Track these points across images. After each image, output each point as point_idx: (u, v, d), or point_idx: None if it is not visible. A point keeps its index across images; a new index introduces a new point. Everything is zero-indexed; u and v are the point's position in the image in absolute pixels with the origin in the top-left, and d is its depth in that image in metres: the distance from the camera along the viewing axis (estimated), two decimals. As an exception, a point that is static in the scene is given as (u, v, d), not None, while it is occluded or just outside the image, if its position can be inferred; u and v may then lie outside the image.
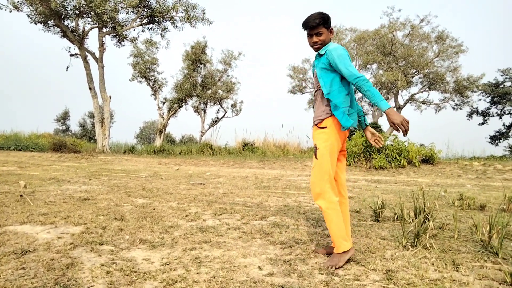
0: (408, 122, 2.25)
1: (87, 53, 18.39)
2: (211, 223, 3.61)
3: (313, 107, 2.81)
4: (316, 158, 2.53)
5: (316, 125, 2.60)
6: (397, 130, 2.28)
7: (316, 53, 2.67)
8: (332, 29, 2.63)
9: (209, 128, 26.09)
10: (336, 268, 2.35)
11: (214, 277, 2.13)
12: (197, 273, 2.20)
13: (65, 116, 37.45)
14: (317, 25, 2.54)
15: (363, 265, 2.41)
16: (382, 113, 26.21)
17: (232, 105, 26.41)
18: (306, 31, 2.63)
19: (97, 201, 4.59)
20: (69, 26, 17.71)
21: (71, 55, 18.82)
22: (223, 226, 3.47)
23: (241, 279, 2.12)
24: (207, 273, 2.20)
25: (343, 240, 2.48)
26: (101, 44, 18.58)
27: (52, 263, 2.27)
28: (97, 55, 18.57)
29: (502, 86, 27.56)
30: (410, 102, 25.52)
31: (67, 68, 19.20)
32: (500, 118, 28.83)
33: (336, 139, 2.54)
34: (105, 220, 3.52)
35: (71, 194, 5.07)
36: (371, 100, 2.36)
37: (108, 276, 2.09)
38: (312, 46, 2.66)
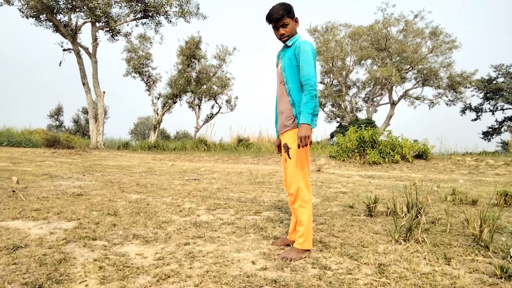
0: (309, 141, 2.39)
1: (80, 48, 18.20)
2: (205, 218, 3.61)
3: (276, 101, 2.81)
4: (290, 158, 2.54)
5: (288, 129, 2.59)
6: (300, 142, 2.38)
7: (284, 44, 2.65)
8: (296, 18, 2.61)
9: (203, 124, 26.00)
10: (289, 261, 2.36)
11: (207, 271, 2.14)
12: (190, 267, 2.20)
13: (58, 112, 37.10)
14: (282, 17, 2.52)
15: (356, 259, 2.43)
16: (376, 109, 26.34)
17: (226, 101, 26.30)
18: (271, 24, 2.60)
19: (91, 196, 4.57)
20: (61, 20, 17.51)
21: (64, 50, 18.63)
22: (217, 221, 3.47)
23: (234, 273, 2.13)
24: (200, 267, 2.21)
25: (311, 238, 2.53)
26: (94, 39, 18.40)
27: (44, 258, 2.26)
28: (90, 50, 18.40)
29: (495, 82, 27.71)
30: (404, 98, 25.58)
31: (60, 63, 19.00)
32: (493, 114, 29.02)
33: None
34: (99, 215, 3.51)
35: (64, 189, 5.04)
36: (301, 107, 2.43)
37: (100, 271, 2.09)
38: (280, 39, 2.64)
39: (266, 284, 1.98)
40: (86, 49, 18.36)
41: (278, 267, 2.27)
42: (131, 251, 2.49)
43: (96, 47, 18.50)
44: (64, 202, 4.08)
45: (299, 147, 2.40)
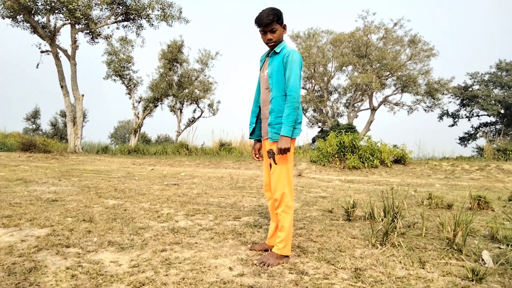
0: (285, 152, 2.43)
1: (58, 50, 17.81)
2: (183, 224, 3.57)
3: (255, 104, 2.82)
4: (275, 163, 2.54)
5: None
6: (279, 153, 2.44)
7: (271, 50, 2.64)
8: (285, 25, 2.61)
9: (185, 128, 25.79)
10: (267, 267, 2.36)
11: (184, 278, 2.11)
12: (166, 275, 2.17)
13: (35, 115, 36.15)
14: (271, 22, 2.51)
15: (333, 264, 2.44)
16: (357, 114, 26.72)
17: (209, 105, 26.17)
18: (259, 28, 2.58)
19: (66, 202, 4.46)
20: (39, 22, 17.11)
21: (42, 51, 18.21)
22: (196, 227, 3.44)
23: (210, 280, 2.10)
24: (176, 274, 2.18)
25: (290, 244, 2.55)
26: (74, 41, 18.05)
27: (14, 267, 2.18)
28: (69, 52, 18.02)
29: (470, 89, 28.57)
30: (384, 104, 26.03)
31: (38, 65, 18.58)
32: (469, 120, 29.89)
33: (292, 144, 2.57)
34: (73, 222, 3.42)
35: (39, 195, 4.90)
36: (283, 119, 2.47)
37: (73, 280, 2.03)
38: (266, 44, 2.63)
39: (242, 291, 1.96)
40: (65, 51, 17.98)
41: (255, 273, 2.26)
42: (105, 259, 2.43)
43: (76, 49, 18.14)
44: (37, 208, 3.96)
45: (280, 152, 2.43)
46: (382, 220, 3.58)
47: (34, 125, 36.11)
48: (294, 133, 2.53)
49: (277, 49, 2.58)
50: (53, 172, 8.38)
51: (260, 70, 2.78)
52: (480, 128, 30.14)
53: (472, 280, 2.16)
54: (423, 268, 2.40)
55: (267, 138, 2.63)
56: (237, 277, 2.17)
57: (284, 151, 2.42)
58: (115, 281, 2.03)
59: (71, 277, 2.07)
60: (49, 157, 13.45)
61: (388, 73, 24.19)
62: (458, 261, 2.55)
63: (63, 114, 31.61)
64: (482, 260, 2.53)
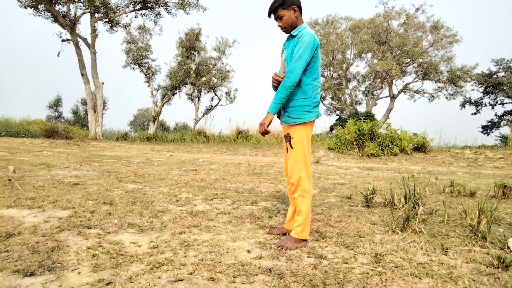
0: (264, 129, 2.50)
1: (79, 39, 18.05)
2: (202, 208, 3.59)
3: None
4: (292, 148, 2.51)
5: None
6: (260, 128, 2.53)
7: (288, 35, 2.62)
8: (295, 7, 2.52)
9: (203, 116, 25.90)
10: (285, 250, 2.35)
11: (202, 260, 2.12)
12: (185, 256, 2.18)
13: (57, 103, 36.92)
14: (276, 9, 2.51)
15: (352, 249, 2.41)
16: (376, 102, 26.26)
17: (226, 93, 26.16)
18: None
19: (87, 186, 4.54)
20: (60, 11, 17.34)
21: (63, 40, 18.47)
22: (214, 211, 3.45)
23: (229, 262, 2.10)
24: (195, 256, 2.19)
25: (308, 228, 2.52)
26: (93, 30, 18.24)
27: (37, 246, 2.24)
28: (89, 41, 18.24)
29: (495, 76, 27.58)
30: (404, 92, 25.48)
31: (59, 53, 18.87)
32: (493, 108, 28.92)
33: (310, 128, 2.55)
34: (94, 204, 3.48)
35: (61, 179, 5.01)
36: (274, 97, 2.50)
37: (94, 259, 2.07)
38: (281, 30, 2.63)
39: (260, 273, 1.96)
40: (85, 40, 18.21)
41: (274, 256, 2.25)
42: (125, 240, 2.46)
43: (95, 38, 18.34)
44: (60, 191, 4.05)
45: (261, 133, 2.52)
46: (402, 206, 3.52)
47: (56, 113, 36.91)
48: (309, 116, 2.50)
49: (294, 33, 2.55)
50: (75, 158, 8.56)
51: (281, 54, 2.75)
52: (504, 116, 29.13)
53: (498, 268, 2.09)
54: (446, 255, 2.34)
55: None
56: (255, 260, 2.16)
57: (261, 126, 2.48)
58: (135, 261, 2.06)
59: (92, 256, 2.11)
60: (70, 143, 13.75)
61: (409, 60, 23.61)
62: (483, 249, 2.48)
63: (84, 102, 32.18)
64: (508, 248, 2.45)
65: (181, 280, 1.83)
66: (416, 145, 11.79)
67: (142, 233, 2.63)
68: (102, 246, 2.29)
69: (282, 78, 2.51)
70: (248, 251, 2.32)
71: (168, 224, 2.90)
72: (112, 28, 19.46)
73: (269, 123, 2.49)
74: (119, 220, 2.94)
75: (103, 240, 2.42)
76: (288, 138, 2.53)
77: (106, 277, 1.83)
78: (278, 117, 2.73)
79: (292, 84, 2.43)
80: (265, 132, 2.51)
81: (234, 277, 1.89)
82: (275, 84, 2.57)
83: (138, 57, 22.65)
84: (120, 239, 2.48)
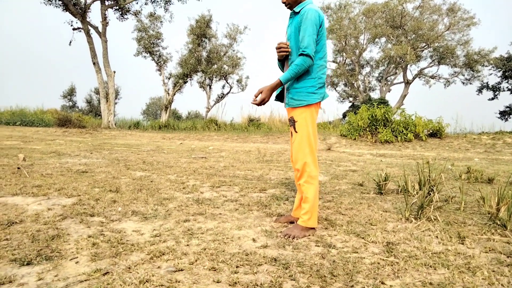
0: (261, 97, 2.34)
1: (89, 27, 18.05)
2: (208, 195, 3.51)
3: (283, 71, 2.64)
4: (296, 132, 2.38)
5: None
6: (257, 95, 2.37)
7: (291, 11, 2.48)
8: None
9: (214, 104, 25.83)
10: (292, 239, 2.25)
11: (205, 249, 2.03)
12: (187, 245, 2.10)
13: (71, 92, 37.29)
14: None
15: (363, 238, 2.30)
16: (390, 88, 25.74)
17: (237, 81, 26.00)
18: None
19: (95, 173, 4.51)
20: (70, -1, 17.33)
21: (74, 29, 18.48)
22: (220, 198, 3.37)
23: (232, 251, 2.02)
24: (197, 245, 2.11)
25: (316, 216, 2.41)
26: (104, 18, 18.22)
27: (38, 234, 2.19)
28: (100, 29, 18.24)
29: (514, 60, 26.71)
30: (419, 77, 24.88)
31: (70, 42, 18.93)
32: (511, 93, 28.11)
33: (315, 110, 2.42)
34: (100, 192, 3.43)
35: (70, 167, 5.00)
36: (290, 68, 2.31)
37: (93, 248, 2.00)
38: (285, 7, 2.49)
39: (265, 263, 1.87)
40: (96, 28, 18.20)
41: (280, 245, 2.15)
42: (128, 228, 2.40)
43: (106, 26, 18.32)
44: (67, 179, 4.02)
45: (256, 103, 2.36)
46: (416, 193, 3.38)
47: (70, 102, 37.33)
48: (314, 98, 2.37)
49: (297, 9, 2.40)
50: (86, 146, 8.59)
51: (286, 33, 2.60)
52: (524, 102, 28.30)
53: (519, 257, 1.96)
54: (463, 244, 2.21)
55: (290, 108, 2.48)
56: (260, 249, 2.07)
57: (261, 92, 2.34)
58: (135, 250, 1.99)
59: (92, 245, 2.04)
60: (83, 132, 13.86)
61: (424, 44, 22.99)
62: (502, 237, 2.34)
63: (97, 91, 32.41)
64: (530, 236, 2.31)
65: (182, 270, 1.75)
66: (431, 131, 11.51)
67: (146, 221, 2.57)
68: (104, 235, 2.23)
69: (286, 45, 2.38)
70: (254, 240, 2.23)
71: (173, 212, 2.83)
72: (122, 16, 19.40)
73: (271, 91, 2.35)
74: (123, 208, 2.88)
75: (105, 228, 2.36)
76: (292, 122, 2.41)
77: (104, 266, 1.76)
78: (281, 100, 2.61)
79: (311, 61, 2.28)
80: (262, 101, 2.36)
81: (237, 267, 1.81)
82: (281, 53, 2.42)
83: (149, 45, 22.60)
84: (122, 227, 2.41)
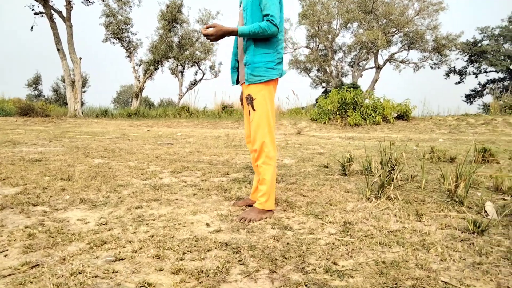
0: (211, 31, 2.19)
1: (53, 12, 17.13)
2: (167, 181, 3.37)
3: (235, 46, 2.50)
4: (254, 110, 2.26)
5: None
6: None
7: None
8: None
9: (187, 91, 25.31)
10: (248, 222, 2.16)
11: (152, 236, 1.91)
12: (134, 232, 1.97)
13: (36, 81, 35.71)
14: None
15: (321, 218, 2.23)
16: (362, 73, 25.99)
17: (210, 67, 25.57)
18: None
19: (49, 162, 4.26)
20: (29, -20, 16.37)
21: (35, 13, 17.54)
22: (179, 184, 3.23)
23: (182, 237, 1.90)
24: (146, 232, 1.98)
25: (274, 198, 2.33)
26: (68, 2, 17.34)
27: (-32, 226, 2.00)
28: (64, 13, 17.36)
29: (479, 44, 27.49)
30: (390, 62, 25.21)
31: (32, 27, 18.00)
32: (476, 77, 28.98)
33: (273, 88, 2.31)
34: (50, 180, 3.23)
35: (23, 156, 4.71)
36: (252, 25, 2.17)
37: (28, 239, 1.84)
38: None
39: (215, 248, 1.76)
40: (59, 13, 17.28)
41: (234, 228, 2.05)
42: (73, 217, 2.24)
43: (70, 10, 17.45)
44: (16, 168, 3.77)
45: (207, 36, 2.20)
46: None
47: (36, 91, 35.80)
48: (273, 74, 2.25)
49: None
50: (46, 135, 8.19)
51: (240, 5, 2.43)
52: (487, 85, 29.27)
53: (473, 233, 1.94)
54: (420, 221, 2.18)
55: (244, 83, 2.34)
56: (212, 234, 1.97)
57: (214, 27, 2.19)
58: (75, 240, 1.84)
59: (28, 236, 1.88)
60: (46, 121, 13.28)
61: (395, 29, 23.23)
62: (459, 213, 2.33)
63: (64, 79, 31.17)
64: (485, 211, 2.31)
65: (122, 259, 1.62)
66: (398, 113, 11.68)
67: (94, 209, 2.40)
68: (43, 225, 2.06)
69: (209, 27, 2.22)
70: (207, 225, 2.12)
71: (126, 199, 2.68)
72: (88, 0, 18.55)
73: (222, 34, 2.20)
74: (72, 196, 2.70)
75: (47, 218, 2.19)
76: (250, 100, 2.28)
77: (35, 259, 1.60)
78: (237, 81, 2.48)
79: (276, 29, 2.16)
80: (209, 35, 2.19)
81: (184, 253, 1.69)
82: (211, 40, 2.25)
83: (118, 31, 21.82)
84: (67, 216, 2.25)
